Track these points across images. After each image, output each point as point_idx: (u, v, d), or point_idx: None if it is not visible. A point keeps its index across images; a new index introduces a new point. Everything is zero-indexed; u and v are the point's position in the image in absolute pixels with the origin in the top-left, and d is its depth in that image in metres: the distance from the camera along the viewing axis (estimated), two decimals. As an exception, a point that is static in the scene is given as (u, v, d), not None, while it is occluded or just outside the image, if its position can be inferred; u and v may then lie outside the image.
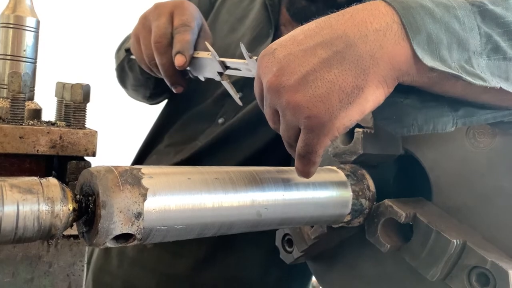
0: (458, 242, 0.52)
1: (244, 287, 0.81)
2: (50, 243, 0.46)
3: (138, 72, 0.89)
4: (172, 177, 0.41)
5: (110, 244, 0.38)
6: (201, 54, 0.75)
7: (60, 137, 0.46)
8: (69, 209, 0.36)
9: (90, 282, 0.84)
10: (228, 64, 0.72)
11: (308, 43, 0.42)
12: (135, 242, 0.39)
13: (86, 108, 0.49)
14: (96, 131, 0.48)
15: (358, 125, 0.61)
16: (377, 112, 0.47)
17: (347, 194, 0.54)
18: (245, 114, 0.82)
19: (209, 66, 0.75)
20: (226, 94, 0.86)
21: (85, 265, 0.49)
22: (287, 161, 0.80)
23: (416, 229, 0.54)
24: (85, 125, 0.49)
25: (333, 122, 0.42)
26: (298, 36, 0.43)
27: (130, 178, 0.38)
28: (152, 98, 0.98)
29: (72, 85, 0.48)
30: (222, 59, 0.72)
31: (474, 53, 0.44)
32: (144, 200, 0.38)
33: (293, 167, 0.52)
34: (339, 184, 0.54)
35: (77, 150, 0.47)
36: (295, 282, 0.85)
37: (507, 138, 0.54)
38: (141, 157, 0.92)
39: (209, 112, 0.87)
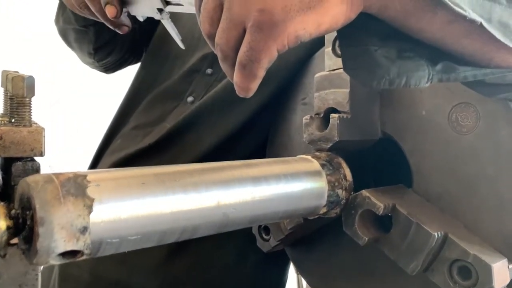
0: (439, 235, 0.49)
1: (220, 274, 0.78)
2: (-4, 254, 0.42)
3: (74, 21, 0.85)
4: (123, 182, 0.37)
5: (54, 261, 0.34)
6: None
7: (1, 137, 0.42)
8: (1, 228, 0.32)
9: (57, 276, 0.80)
10: None
11: None
12: (84, 257, 0.35)
13: (31, 103, 0.44)
14: (43, 128, 0.43)
15: (334, 110, 0.57)
16: (348, 60, 0.44)
17: (322, 185, 0.51)
18: (218, 92, 0.77)
19: (147, 1, 0.69)
20: (195, 69, 0.82)
21: (40, 274, 0.45)
22: (263, 145, 0.77)
23: (395, 220, 0.51)
24: (31, 122, 0.44)
25: (286, 24, 0.38)
26: None
27: (73, 188, 0.34)
28: (98, 55, 0.92)
29: (13, 77, 0.43)
30: None
31: None
32: (90, 212, 0.34)
33: (263, 160, 0.49)
34: (314, 175, 0.51)
35: (21, 150, 0.43)
36: (273, 266, 0.83)
37: (492, 121, 0.51)
38: (107, 142, 0.87)
39: (177, 90, 0.82)
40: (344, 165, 0.54)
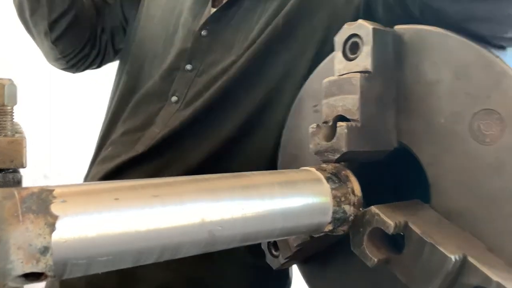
0: (458, 258, 0.43)
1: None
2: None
3: None
4: (94, 197, 0.34)
5: (15, 284, 0.32)
6: None
7: (-22, 148, 0.40)
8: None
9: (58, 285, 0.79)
10: None
11: None
12: (49, 278, 0.33)
13: (12, 112, 0.42)
14: (23, 138, 0.41)
15: (343, 118, 0.53)
16: None
17: (326, 200, 0.47)
18: (211, 96, 0.74)
19: None
20: (174, 67, 0.79)
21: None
22: (264, 150, 0.72)
23: (408, 240, 0.46)
24: (14, 131, 0.42)
25: None
26: None
27: (35, 205, 0.32)
28: (57, 36, 0.88)
29: (-6, 85, 0.41)
30: None
31: None
32: (52, 231, 0.31)
33: (257, 172, 0.45)
34: (316, 189, 0.46)
35: (1, 161, 0.41)
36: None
37: (519, 130, 0.45)
38: (98, 151, 0.85)
39: (159, 90, 0.79)
40: (352, 178, 0.50)
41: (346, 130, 0.50)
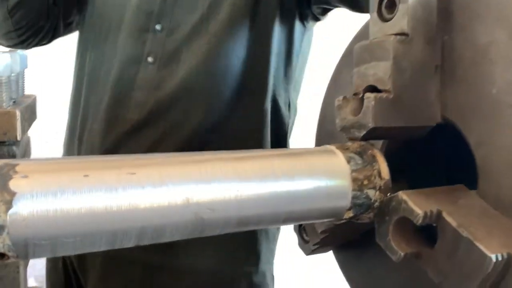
0: (500, 258, 0.36)
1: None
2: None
3: None
4: (60, 174, 0.31)
5: (-24, 262, 0.30)
6: None
7: (-30, 120, 0.39)
8: None
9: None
10: None
11: None
12: (12, 259, 0.31)
13: (7, 82, 0.41)
14: (16, 111, 0.40)
15: (375, 89, 0.45)
16: None
17: (343, 183, 0.41)
18: (198, 65, 0.73)
19: None
20: (143, 29, 0.78)
21: (21, 267, 0.43)
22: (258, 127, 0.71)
23: (441, 233, 0.39)
24: (8, 104, 0.41)
25: None
26: None
27: (-7, 180, 0.29)
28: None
29: (-14, 56, 0.40)
30: None
31: None
32: (8, 208, 0.29)
33: (261, 150, 0.40)
34: (332, 170, 0.40)
35: (-6, 134, 0.40)
36: None
37: None
38: (79, 130, 0.79)
39: (132, 55, 0.78)
40: (380, 158, 0.43)
41: (373, 102, 0.43)
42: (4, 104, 0.40)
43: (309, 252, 0.58)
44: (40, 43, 0.99)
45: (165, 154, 0.36)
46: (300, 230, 0.59)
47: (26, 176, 0.30)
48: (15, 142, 0.41)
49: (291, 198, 0.38)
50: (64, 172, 0.32)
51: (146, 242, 0.35)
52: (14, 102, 0.43)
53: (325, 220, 0.43)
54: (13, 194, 0.29)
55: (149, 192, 0.33)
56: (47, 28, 0.94)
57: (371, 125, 0.43)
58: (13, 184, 0.30)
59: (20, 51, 0.45)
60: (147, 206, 0.33)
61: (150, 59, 0.77)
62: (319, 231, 0.51)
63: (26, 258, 0.31)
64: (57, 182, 0.31)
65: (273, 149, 0.41)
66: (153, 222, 0.34)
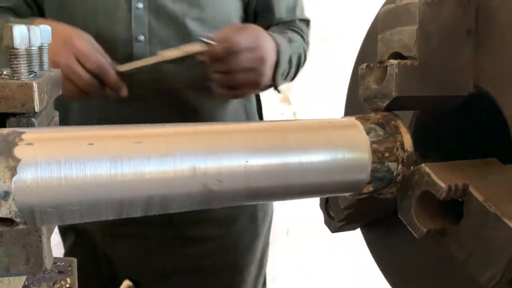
0: (530, 235, 0.33)
1: None
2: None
3: None
4: (65, 142, 0.31)
5: (-14, 227, 0.31)
6: (127, 66, 0.78)
7: (-11, 92, 0.40)
8: None
9: None
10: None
11: None
12: (21, 226, 0.31)
13: (25, 54, 0.41)
14: (33, 83, 0.40)
15: (397, 55, 0.43)
16: None
17: (361, 155, 0.38)
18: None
19: None
20: (127, 11, 0.82)
21: (44, 236, 0.44)
22: None
23: (467, 209, 0.36)
24: (26, 76, 0.42)
25: None
26: None
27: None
28: None
29: (4, 28, 0.41)
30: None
31: None
32: (13, 175, 0.29)
33: (274, 121, 0.38)
34: (349, 141, 0.38)
35: (12, 105, 0.40)
36: None
37: None
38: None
39: (120, 35, 0.82)
40: (403, 129, 0.40)
41: (396, 70, 0.40)
42: (22, 76, 0.41)
43: (334, 229, 0.56)
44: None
45: (173, 124, 0.35)
46: (326, 207, 0.58)
47: (31, 144, 0.30)
48: (34, 114, 0.41)
49: (304, 170, 0.37)
50: (69, 140, 0.32)
51: (154, 212, 0.34)
52: (34, 75, 0.43)
53: (344, 194, 0.41)
54: (18, 160, 0.30)
55: (155, 161, 0.33)
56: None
57: (394, 94, 0.40)
58: (18, 151, 0.30)
59: (42, 26, 0.45)
60: (152, 176, 0.32)
61: (141, 38, 0.85)
62: (342, 207, 0.49)
63: (34, 225, 0.32)
64: (61, 150, 0.31)
65: (288, 120, 0.40)
66: (160, 192, 0.33)
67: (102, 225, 0.92)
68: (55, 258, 0.76)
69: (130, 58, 0.81)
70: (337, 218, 0.53)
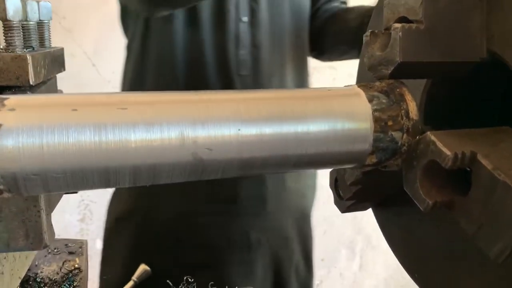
0: (543, 204, 0.30)
1: None
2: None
3: None
4: (47, 109, 0.31)
5: (-29, 195, 0.30)
6: None
7: (-17, 65, 0.39)
8: None
9: None
10: None
11: None
12: (6, 194, 0.31)
13: (19, 26, 0.41)
14: (27, 55, 0.40)
15: (403, 20, 0.40)
16: None
17: (362, 124, 0.36)
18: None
19: None
20: None
21: (42, 211, 0.43)
22: None
23: (475, 178, 0.34)
24: (21, 49, 0.41)
25: None
26: None
27: (-21, 112, 0.29)
28: None
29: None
30: None
31: None
32: (-7, 140, 0.29)
33: (266, 90, 0.37)
34: (349, 108, 0.36)
35: (6, 78, 0.40)
36: None
37: None
38: None
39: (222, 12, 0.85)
40: (408, 97, 0.38)
41: (400, 34, 0.38)
42: (17, 49, 0.40)
43: (344, 209, 0.54)
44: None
45: (160, 92, 0.34)
46: (336, 186, 0.56)
47: (13, 109, 0.30)
48: (30, 88, 0.41)
49: (300, 139, 0.35)
50: (52, 106, 0.31)
51: (143, 182, 0.33)
52: (32, 49, 0.43)
53: (345, 166, 0.39)
54: (-2, 126, 0.29)
55: (141, 129, 0.31)
56: None
57: (398, 59, 0.38)
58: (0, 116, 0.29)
59: (42, 2, 0.45)
60: (138, 144, 0.31)
61: (244, 19, 0.91)
62: (348, 182, 0.47)
63: (19, 193, 0.31)
64: (44, 115, 0.30)
65: (284, 89, 0.38)
66: (147, 162, 0.32)
67: None
68: (66, 239, 0.78)
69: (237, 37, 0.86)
70: (345, 196, 0.51)
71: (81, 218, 1.62)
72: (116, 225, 1.04)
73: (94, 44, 1.52)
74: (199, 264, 0.94)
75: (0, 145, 0.29)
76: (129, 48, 0.97)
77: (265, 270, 1.00)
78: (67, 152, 0.30)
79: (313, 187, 1.10)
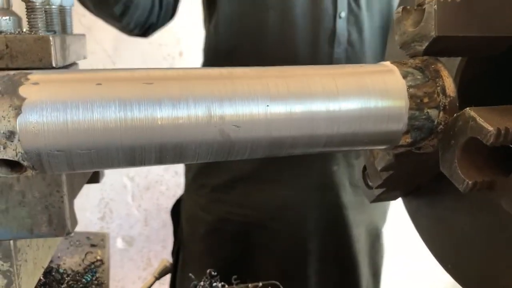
0: None
1: None
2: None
3: None
4: (71, 83, 0.30)
5: (-4, 173, 0.29)
6: None
7: (7, 46, 0.39)
8: None
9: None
10: None
11: None
12: (30, 172, 0.30)
13: (42, 8, 0.40)
14: (50, 37, 0.39)
15: (437, -7, 0.38)
16: None
17: (397, 101, 0.35)
18: None
19: None
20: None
21: (65, 197, 0.43)
22: None
23: (519, 156, 0.32)
24: (43, 31, 0.41)
25: None
26: None
27: (3, 85, 0.28)
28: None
29: (21, -18, 0.40)
30: None
31: None
32: (17, 114, 0.28)
33: (299, 66, 0.35)
34: (383, 85, 0.35)
35: (30, 60, 0.39)
36: None
37: None
38: None
39: (323, 10, 0.86)
40: (445, 73, 0.36)
41: (435, 7, 0.36)
42: (39, 31, 0.40)
43: (372, 198, 0.52)
44: (163, 24, 0.98)
45: (189, 67, 0.33)
46: (364, 175, 0.54)
47: (37, 83, 0.29)
48: (53, 69, 0.40)
49: (331, 117, 0.33)
50: (75, 81, 0.30)
51: (169, 161, 0.32)
52: (54, 33, 0.42)
53: (378, 147, 0.37)
54: (22, 99, 0.28)
55: (166, 104, 0.30)
56: (161, 17, 0.94)
57: (434, 34, 0.36)
58: (23, 90, 0.28)
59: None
60: (164, 121, 0.30)
61: (343, 14, 0.90)
62: (379, 168, 0.45)
63: (43, 171, 0.30)
64: (68, 90, 0.29)
65: (315, 66, 0.36)
66: (173, 140, 0.31)
67: None
68: (87, 232, 0.77)
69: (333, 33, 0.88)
70: (375, 184, 0.49)
71: (101, 216, 1.63)
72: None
73: (114, 43, 1.52)
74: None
75: (24, 120, 0.28)
76: (215, 48, 0.94)
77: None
78: (91, 128, 0.29)
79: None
